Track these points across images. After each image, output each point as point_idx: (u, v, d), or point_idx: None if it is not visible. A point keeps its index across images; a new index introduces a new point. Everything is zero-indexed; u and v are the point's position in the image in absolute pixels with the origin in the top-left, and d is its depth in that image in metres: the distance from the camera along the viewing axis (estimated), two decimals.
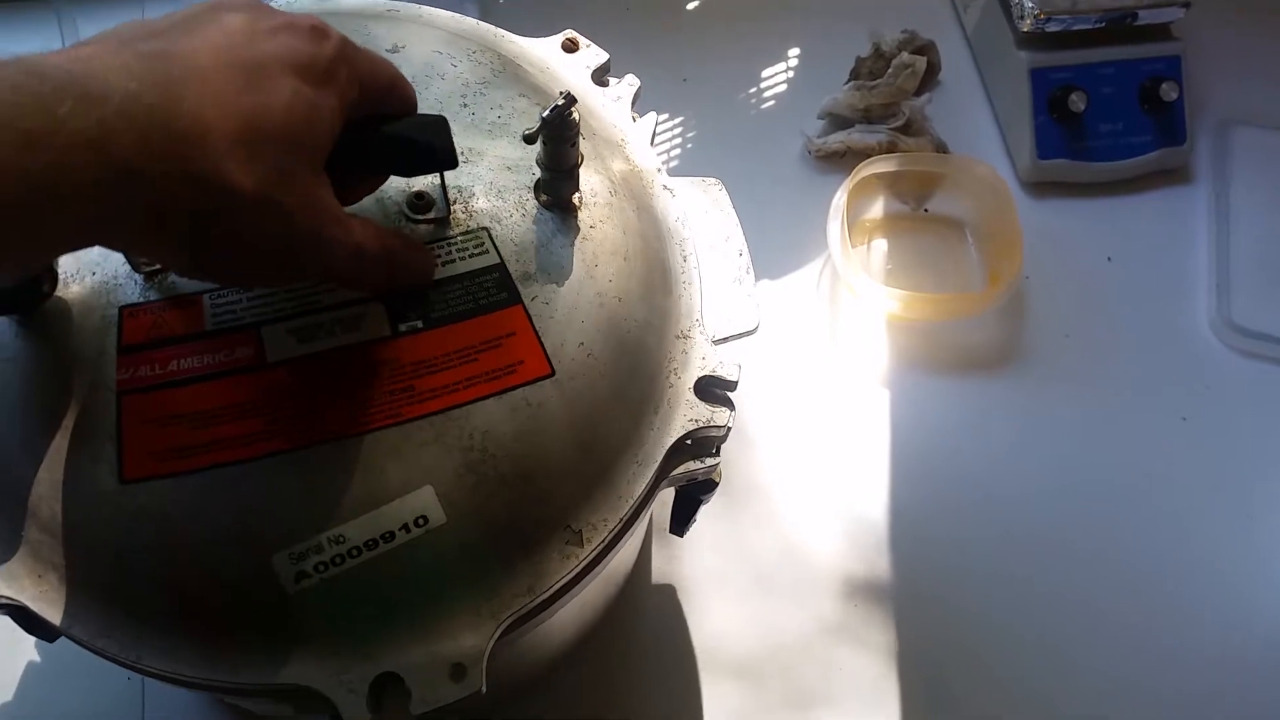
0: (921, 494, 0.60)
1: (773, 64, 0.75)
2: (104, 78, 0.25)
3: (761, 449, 0.60)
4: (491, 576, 0.34)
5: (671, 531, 0.44)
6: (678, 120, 0.72)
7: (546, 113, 0.32)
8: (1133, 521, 0.59)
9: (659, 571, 0.56)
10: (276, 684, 0.32)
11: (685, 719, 0.53)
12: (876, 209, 0.68)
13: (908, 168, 0.66)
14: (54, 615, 0.33)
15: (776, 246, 0.66)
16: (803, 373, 0.63)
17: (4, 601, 0.34)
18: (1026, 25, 0.68)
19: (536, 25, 0.47)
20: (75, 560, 0.33)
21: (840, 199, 0.63)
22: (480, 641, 0.33)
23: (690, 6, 0.77)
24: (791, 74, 0.74)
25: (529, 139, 0.34)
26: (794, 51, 0.75)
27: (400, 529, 0.33)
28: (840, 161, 0.69)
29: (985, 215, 0.67)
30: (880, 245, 0.68)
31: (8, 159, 0.23)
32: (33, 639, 0.40)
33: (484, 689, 0.33)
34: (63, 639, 0.34)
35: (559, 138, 0.33)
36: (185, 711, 0.52)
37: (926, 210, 0.68)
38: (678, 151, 0.71)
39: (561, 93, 0.32)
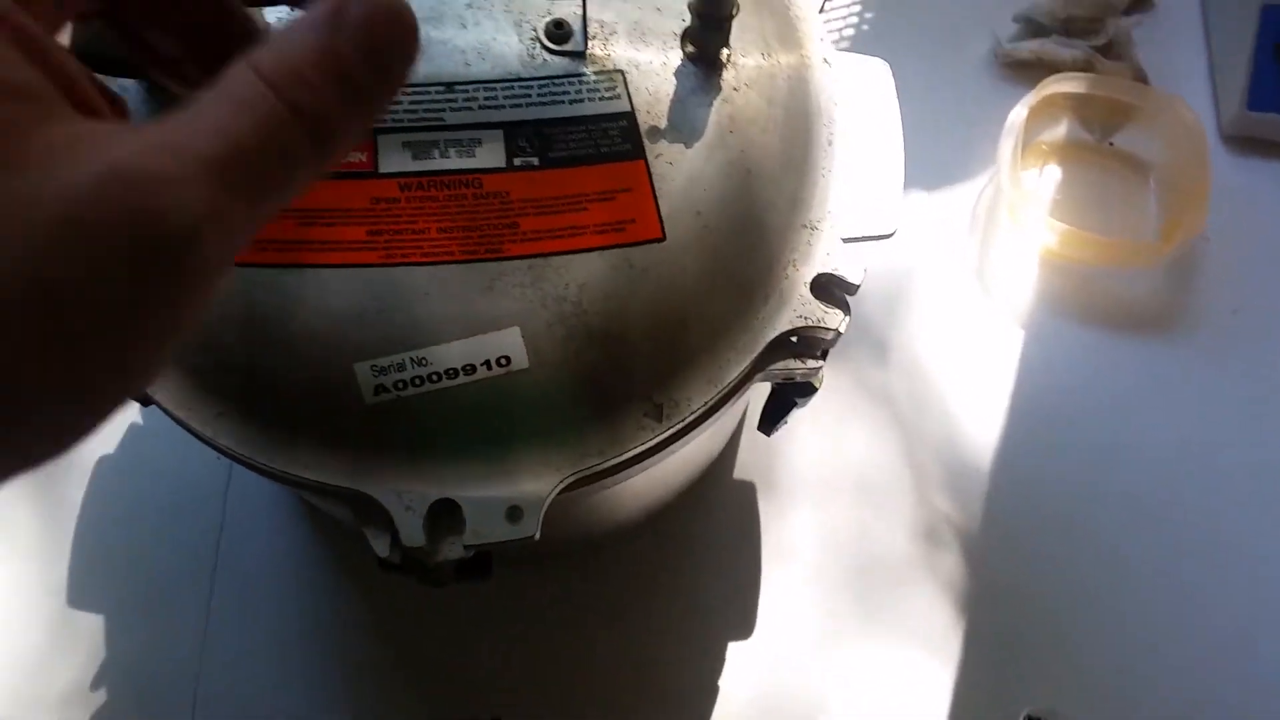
0: (1035, 445, 0.56)
1: None
2: None
3: (873, 361, 0.57)
4: (565, 431, 0.33)
5: (759, 429, 0.42)
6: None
7: None
8: (1262, 522, 0.55)
9: (743, 466, 0.55)
10: (340, 487, 0.33)
11: (740, 607, 0.53)
12: (1057, 132, 0.62)
13: (1100, 92, 0.60)
14: None
15: (938, 152, 0.61)
16: (939, 294, 0.59)
17: None
18: None
19: None
20: None
21: (1020, 113, 0.57)
22: (542, 489, 0.33)
23: None
24: None
25: None
26: None
27: (482, 364, 0.32)
28: (1028, 73, 0.63)
29: (1174, 161, 0.60)
30: (1053, 173, 0.62)
31: None
32: (137, 405, 0.42)
33: (537, 535, 0.32)
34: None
35: None
36: (264, 486, 0.55)
37: (1112, 144, 0.62)
38: (850, 32, 0.66)
39: None
